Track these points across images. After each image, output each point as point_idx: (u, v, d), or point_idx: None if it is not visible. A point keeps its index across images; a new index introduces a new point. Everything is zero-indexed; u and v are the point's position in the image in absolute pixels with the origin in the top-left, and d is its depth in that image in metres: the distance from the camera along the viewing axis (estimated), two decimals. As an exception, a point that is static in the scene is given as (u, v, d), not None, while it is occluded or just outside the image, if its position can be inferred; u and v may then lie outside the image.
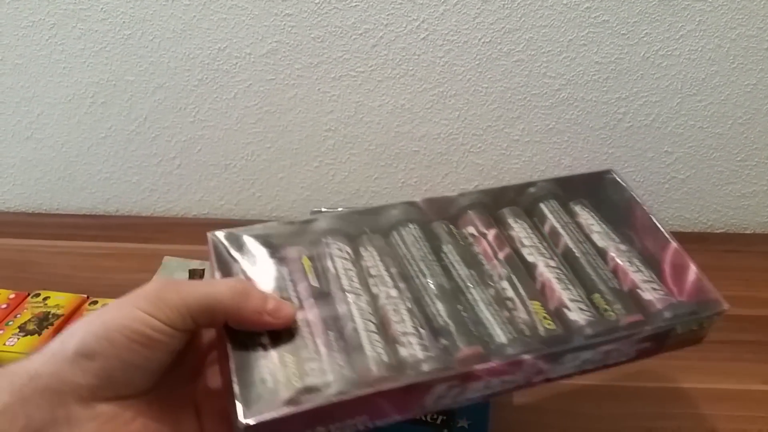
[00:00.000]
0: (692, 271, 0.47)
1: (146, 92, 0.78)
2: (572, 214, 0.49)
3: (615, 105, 0.73)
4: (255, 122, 0.78)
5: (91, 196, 0.87)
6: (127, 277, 0.61)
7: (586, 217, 0.49)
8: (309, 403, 0.35)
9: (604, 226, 0.48)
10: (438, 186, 0.80)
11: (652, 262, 0.46)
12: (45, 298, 0.63)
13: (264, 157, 0.80)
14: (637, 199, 0.51)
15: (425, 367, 0.37)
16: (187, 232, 0.82)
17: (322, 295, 0.41)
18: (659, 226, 0.49)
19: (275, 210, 0.84)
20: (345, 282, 0.42)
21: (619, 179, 0.52)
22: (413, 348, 0.38)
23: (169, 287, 0.36)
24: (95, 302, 0.64)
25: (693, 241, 0.75)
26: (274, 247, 0.43)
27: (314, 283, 0.41)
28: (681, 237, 0.71)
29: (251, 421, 0.34)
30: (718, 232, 0.80)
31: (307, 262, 0.43)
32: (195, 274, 0.61)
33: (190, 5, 0.71)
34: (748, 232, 0.80)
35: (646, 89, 0.72)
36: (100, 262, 0.77)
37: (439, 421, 0.52)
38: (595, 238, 0.47)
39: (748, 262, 0.73)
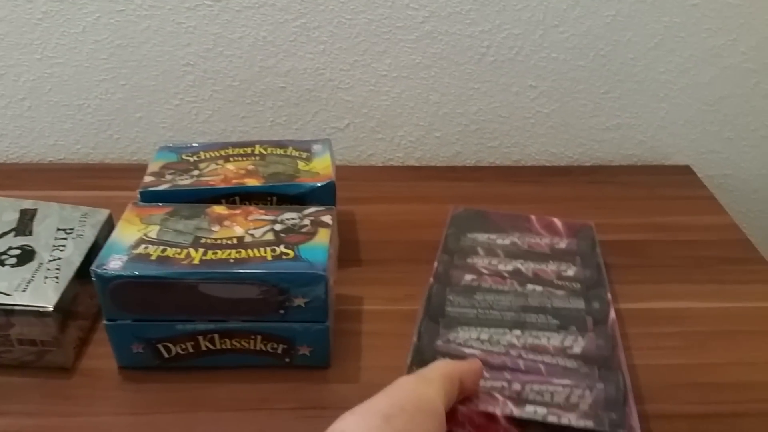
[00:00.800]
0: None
1: (-15, 26, 0.72)
2: None
3: (479, 38, 0.72)
4: (107, 58, 0.73)
5: (-64, 144, 0.80)
6: None
7: None
8: None
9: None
10: (309, 125, 0.78)
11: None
12: None
13: (119, 95, 0.76)
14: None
15: None
16: (40, 178, 0.77)
17: None
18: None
19: (136, 153, 0.79)
20: None
21: None
22: None
23: None
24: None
25: (558, 174, 0.77)
26: None
27: None
28: (547, 171, 0.73)
29: None
30: (585, 165, 0.82)
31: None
32: (26, 215, 0.57)
33: (23, -73, 0.66)
34: (614, 164, 0.82)
35: (509, 21, 0.71)
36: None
37: (280, 350, 0.50)
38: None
39: (609, 192, 0.75)
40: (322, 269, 0.47)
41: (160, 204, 0.54)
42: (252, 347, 0.50)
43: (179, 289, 0.47)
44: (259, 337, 0.50)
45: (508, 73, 0.75)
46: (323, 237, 0.50)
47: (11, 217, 0.57)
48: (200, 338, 0.50)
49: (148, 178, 0.58)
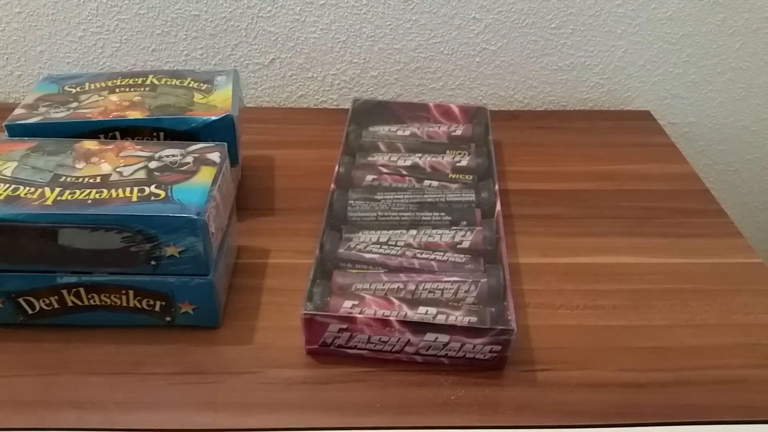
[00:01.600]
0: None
1: None
2: None
3: (414, -41, 0.64)
4: (-7, -21, 0.65)
5: None
6: None
7: None
8: None
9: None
10: (228, 59, 0.70)
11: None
12: None
13: (15, 25, 0.67)
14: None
15: None
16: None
17: None
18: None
19: (38, 91, 0.71)
20: None
21: None
22: None
23: None
24: None
25: (504, 119, 0.70)
26: None
27: None
28: (493, 115, 0.66)
29: None
30: (537, 110, 0.75)
31: None
32: None
33: None
34: (568, 108, 0.75)
35: (447, -60, 0.63)
36: None
37: (157, 308, 0.44)
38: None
39: (558, 139, 0.68)
40: (196, 212, 0.40)
41: (25, 139, 0.47)
42: (125, 304, 0.44)
43: (29, 233, 0.40)
44: (131, 293, 0.43)
45: (448, 3, 0.67)
46: (206, 176, 0.43)
47: None
48: (64, 292, 0.43)
49: (18, 111, 0.50)
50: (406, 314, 0.43)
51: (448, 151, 0.60)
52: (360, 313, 0.43)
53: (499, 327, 0.41)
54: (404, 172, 0.57)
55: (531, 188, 0.60)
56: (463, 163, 0.59)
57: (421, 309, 0.44)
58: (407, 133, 0.63)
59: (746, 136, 0.79)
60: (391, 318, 0.41)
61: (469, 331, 0.41)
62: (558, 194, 0.60)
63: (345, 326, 0.42)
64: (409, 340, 0.42)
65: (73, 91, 0.53)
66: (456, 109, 0.65)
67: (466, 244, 0.49)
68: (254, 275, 0.50)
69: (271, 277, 0.50)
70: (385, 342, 0.42)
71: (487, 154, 0.59)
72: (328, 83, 0.72)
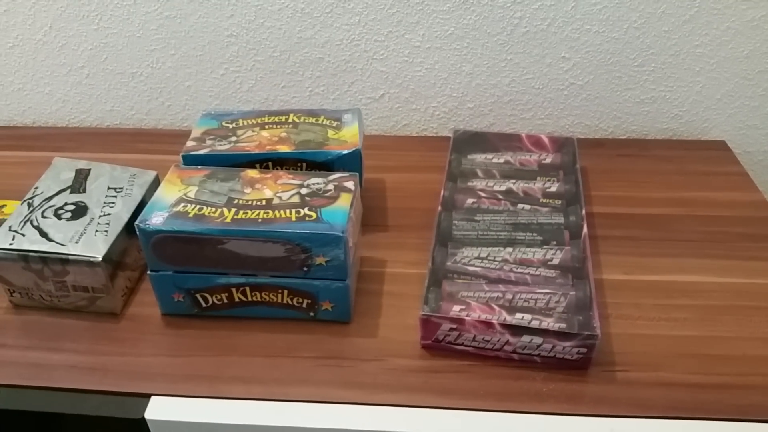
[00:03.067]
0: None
1: (48, 0, 0.77)
2: None
3: (511, 9, 0.73)
4: (157, 28, 0.78)
5: (7, 108, 0.87)
6: (34, 183, 0.62)
7: None
8: None
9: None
10: (345, 94, 0.81)
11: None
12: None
13: (169, 64, 0.80)
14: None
15: None
16: (97, 141, 0.83)
17: None
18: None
19: (186, 120, 0.84)
20: None
21: None
22: None
23: None
24: (3, 205, 0.66)
25: (590, 147, 0.78)
26: None
27: None
28: (579, 143, 0.74)
29: None
30: (619, 138, 0.82)
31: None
32: (81, 174, 0.62)
33: None
34: (649, 137, 0.82)
35: (541, -8, 0.72)
36: (11, 169, 0.78)
37: (304, 305, 0.55)
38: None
39: (639, 166, 0.76)
40: (341, 230, 0.51)
41: (199, 167, 0.59)
42: (280, 301, 0.55)
43: (213, 244, 0.52)
44: (285, 292, 0.54)
45: (540, 45, 0.75)
46: (345, 201, 0.54)
47: (68, 176, 0.62)
48: (233, 290, 0.55)
49: (190, 143, 0.62)
50: (505, 319, 0.52)
51: (538, 178, 0.69)
52: (467, 316, 0.52)
53: (586, 333, 0.49)
54: (500, 197, 0.66)
55: (614, 212, 0.68)
56: (553, 189, 0.67)
57: (518, 315, 0.53)
58: (502, 160, 0.72)
59: (821, 163, 0.83)
60: (493, 321, 0.51)
61: (560, 335, 0.50)
62: (638, 218, 0.68)
63: (455, 326, 0.51)
64: (508, 340, 0.51)
65: (231, 126, 0.65)
66: (546, 140, 0.73)
67: (555, 261, 0.58)
68: (376, 281, 0.60)
69: (389, 284, 0.60)
70: (488, 341, 0.51)
71: (574, 181, 0.67)
72: (430, 114, 0.82)
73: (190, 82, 0.82)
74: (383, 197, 0.71)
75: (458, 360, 0.53)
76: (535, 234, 0.61)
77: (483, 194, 0.67)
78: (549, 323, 0.52)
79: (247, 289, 0.54)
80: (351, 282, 0.54)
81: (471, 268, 0.58)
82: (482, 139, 0.74)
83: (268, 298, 0.55)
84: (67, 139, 0.84)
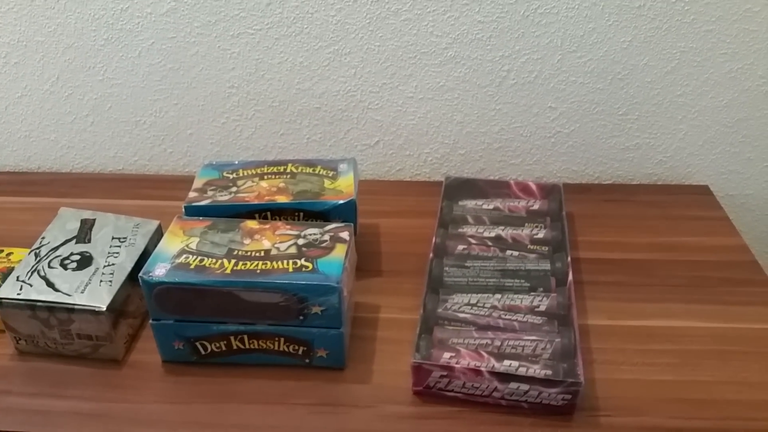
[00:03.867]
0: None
1: (56, 52, 0.80)
2: None
3: (499, 63, 0.77)
4: (160, 79, 0.81)
5: (13, 154, 0.90)
6: (39, 229, 0.65)
7: None
8: None
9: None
10: (341, 142, 0.84)
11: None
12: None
13: (172, 113, 0.83)
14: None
15: None
16: (101, 187, 0.86)
17: None
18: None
19: (187, 165, 0.87)
20: None
21: None
22: None
23: None
24: (10, 253, 0.68)
25: (576, 192, 0.81)
26: None
27: None
28: (566, 188, 0.77)
29: None
30: (605, 183, 0.85)
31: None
32: (86, 224, 0.65)
33: (90, -35, 0.74)
34: (634, 182, 0.85)
35: (528, 47, 0.76)
36: (17, 215, 0.80)
37: (300, 352, 0.57)
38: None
39: (625, 211, 0.78)
40: (336, 281, 0.53)
41: (201, 218, 0.61)
42: (276, 348, 0.57)
43: (213, 294, 0.54)
44: (282, 339, 0.56)
45: (528, 95, 0.79)
46: (340, 252, 0.56)
47: (73, 226, 0.65)
48: (232, 338, 0.57)
49: (192, 194, 0.65)
50: (494, 366, 0.55)
51: (526, 224, 0.71)
52: (457, 363, 0.54)
53: (570, 380, 0.51)
54: (489, 243, 0.69)
55: (600, 257, 0.71)
56: (540, 235, 0.70)
57: (506, 362, 0.55)
58: (491, 207, 0.75)
59: (802, 206, 0.86)
60: (482, 368, 0.53)
61: (546, 382, 0.52)
62: (623, 263, 0.70)
63: (445, 373, 0.53)
64: (496, 387, 0.53)
65: (231, 176, 0.68)
66: (534, 186, 0.76)
67: (542, 308, 0.60)
68: (370, 327, 0.62)
69: (383, 330, 0.62)
70: (477, 387, 0.53)
71: (561, 228, 0.70)
72: (423, 160, 0.85)
73: (192, 130, 0.85)
74: (378, 242, 0.74)
75: (449, 406, 0.55)
76: (522, 280, 0.64)
77: (473, 240, 0.69)
78: (535, 370, 0.54)
79: (245, 337, 0.56)
80: (345, 329, 0.57)
81: (461, 315, 0.60)
82: (473, 185, 0.77)
83: (265, 346, 0.57)
84: (71, 185, 0.86)
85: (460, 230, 0.71)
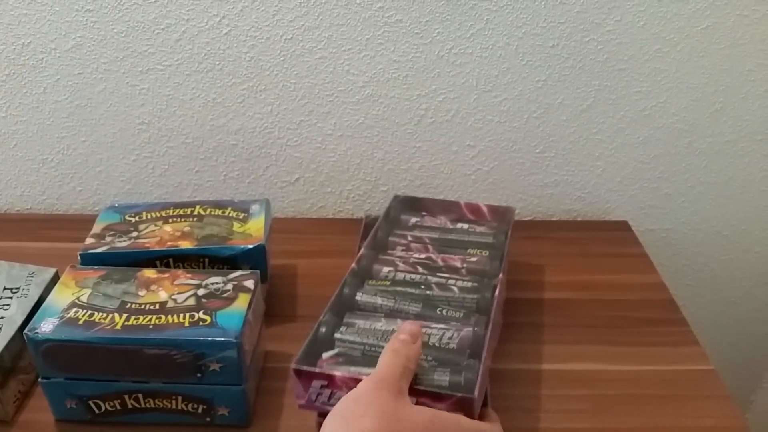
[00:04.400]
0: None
1: (-46, 86, 0.76)
2: None
3: (417, 101, 0.76)
4: (67, 116, 0.77)
5: None
6: None
7: None
8: None
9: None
10: (260, 179, 0.82)
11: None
12: None
13: (80, 150, 0.80)
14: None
15: None
16: (5, 228, 0.81)
17: None
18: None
19: (97, 204, 0.83)
20: None
21: None
22: None
23: None
24: None
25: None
26: None
27: None
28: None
29: None
30: (525, 219, 0.85)
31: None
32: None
33: (-12, -2, 0.70)
34: (554, 218, 0.85)
35: (444, 86, 0.75)
36: None
37: (200, 410, 0.54)
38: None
39: (544, 249, 0.78)
40: (235, 336, 0.50)
41: (95, 267, 0.58)
42: (174, 407, 0.54)
43: (103, 351, 0.51)
44: (179, 398, 0.53)
45: (447, 134, 0.78)
46: (242, 303, 0.54)
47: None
48: (126, 397, 0.53)
49: (89, 240, 0.62)
50: None
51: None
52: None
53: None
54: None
55: (516, 297, 0.70)
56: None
57: None
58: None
59: (719, 239, 0.88)
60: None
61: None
62: (539, 303, 0.69)
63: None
64: None
65: (133, 220, 0.64)
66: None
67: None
68: (279, 378, 0.60)
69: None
70: None
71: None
72: (345, 197, 0.83)
73: (101, 167, 0.81)
74: (294, 285, 0.71)
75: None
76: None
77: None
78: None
79: (140, 395, 0.53)
80: (249, 385, 0.54)
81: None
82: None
83: (162, 405, 0.53)
84: (-27, 226, 0.82)
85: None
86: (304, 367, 0.48)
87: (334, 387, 0.48)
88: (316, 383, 0.48)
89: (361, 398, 0.43)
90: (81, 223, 0.80)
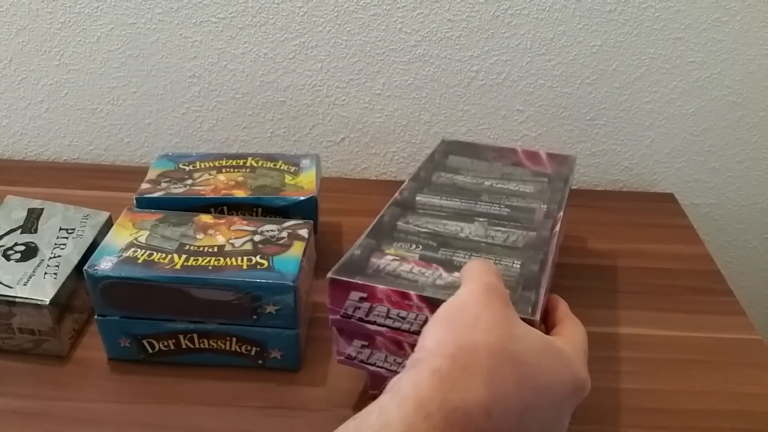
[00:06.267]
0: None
1: (9, 34, 0.77)
2: None
3: (468, 63, 0.76)
4: (119, 66, 0.78)
5: (-39, 139, 0.86)
6: None
7: None
8: None
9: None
10: (306, 137, 0.82)
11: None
12: None
13: (130, 102, 0.80)
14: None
15: None
16: (54, 176, 0.82)
17: None
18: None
19: (144, 156, 0.84)
20: None
21: None
22: None
23: None
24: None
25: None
26: None
27: None
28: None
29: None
30: (571, 188, 0.84)
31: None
32: (33, 213, 0.62)
33: (47, -56, 0.71)
34: (599, 188, 0.85)
35: (497, 48, 0.75)
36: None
37: (253, 353, 0.55)
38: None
39: (590, 217, 0.78)
40: (292, 280, 0.51)
41: (152, 210, 0.59)
42: (228, 348, 0.55)
43: (161, 291, 0.52)
44: (234, 339, 0.54)
45: (496, 97, 0.78)
46: (297, 249, 0.54)
47: (19, 215, 0.62)
48: (181, 337, 0.54)
49: (144, 185, 0.62)
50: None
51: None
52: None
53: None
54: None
55: (563, 262, 0.70)
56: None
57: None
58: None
59: (763, 216, 0.87)
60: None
61: None
62: (586, 269, 0.69)
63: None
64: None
65: (187, 168, 0.65)
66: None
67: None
68: (328, 328, 0.60)
69: (341, 331, 0.60)
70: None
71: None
72: (389, 159, 0.84)
73: (150, 119, 0.82)
74: (339, 242, 0.72)
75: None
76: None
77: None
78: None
79: (195, 335, 0.54)
80: (301, 330, 0.55)
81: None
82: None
83: (216, 345, 0.54)
84: (23, 173, 0.83)
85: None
86: (342, 277, 0.45)
87: (375, 300, 0.45)
88: (354, 294, 0.46)
89: (467, 306, 0.38)
90: (128, 173, 0.82)
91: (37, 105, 0.82)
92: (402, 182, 0.81)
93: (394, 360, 0.48)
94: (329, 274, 0.46)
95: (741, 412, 0.54)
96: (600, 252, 0.72)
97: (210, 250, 0.54)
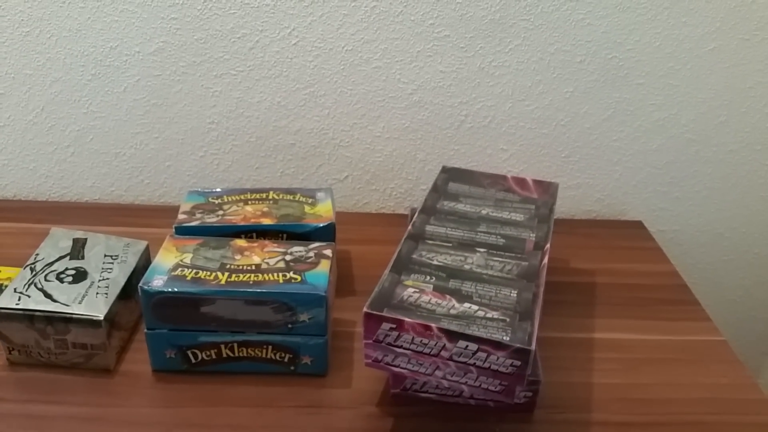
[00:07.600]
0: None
1: (43, 85, 0.84)
2: None
3: (458, 108, 0.86)
4: (143, 114, 0.86)
5: (-13, 183, 0.92)
6: (22, 252, 0.69)
7: None
8: None
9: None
10: (313, 176, 0.91)
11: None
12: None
13: (152, 146, 0.88)
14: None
15: None
16: (78, 215, 0.89)
17: None
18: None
19: (163, 196, 0.92)
20: None
21: None
22: None
23: None
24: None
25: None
26: None
27: None
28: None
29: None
30: (551, 218, 0.94)
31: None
32: (78, 242, 0.68)
33: (84, 7, 0.79)
34: (576, 218, 0.95)
35: (483, 95, 0.85)
36: (-5, 240, 0.83)
37: (286, 359, 0.62)
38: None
39: (569, 242, 0.87)
40: (323, 291, 0.59)
41: (192, 236, 0.66)
42: (264, 356, 0.61)
43: (208, 304, 0.59)
44: (270, 347, 0.61)
45: (483, 138, 0.88)
46: (325, 266, 0.62)
47: (66, 244, 0.68)
48: (222, 347, 0.61)
49: (181, 216, 0.70)
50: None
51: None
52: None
53: (531, 378, 0.58)
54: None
55: (549, 280, 0.78)
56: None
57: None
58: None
59: (721, 241, 0.97)
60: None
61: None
62: (570, 285, 0.78)
63: (395, 326, 0.53)
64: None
65: (217, 201, 0.73)
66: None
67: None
68: (347, 340, 0.68)
69: (359, 342, 0.68)
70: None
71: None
72: (388, 194, 0.93)
73: (170, 162, 0.90)
74: (350, 266, 0.80)
75: (422, 407, 0.60)
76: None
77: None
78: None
79: (235, 344, 0.61)
80: (329, 339, 0.62)
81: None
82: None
83: (253, 354, 0.61)
84: (47, 213, 0.89)
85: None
86: (375, 312, 0.54)
87: (402, 330, 0.53)
88: (386, 326, 0.54)
89: None
90: (147, 212, 0.89)
91: (64, 149, 0.89)
92: (400, 215, 0.90)
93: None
94: (365, 308, 0.54)
95: (712, 399, 0.63)
96: (580, 271, 0.81)
97: (249, 267, 0.61)
